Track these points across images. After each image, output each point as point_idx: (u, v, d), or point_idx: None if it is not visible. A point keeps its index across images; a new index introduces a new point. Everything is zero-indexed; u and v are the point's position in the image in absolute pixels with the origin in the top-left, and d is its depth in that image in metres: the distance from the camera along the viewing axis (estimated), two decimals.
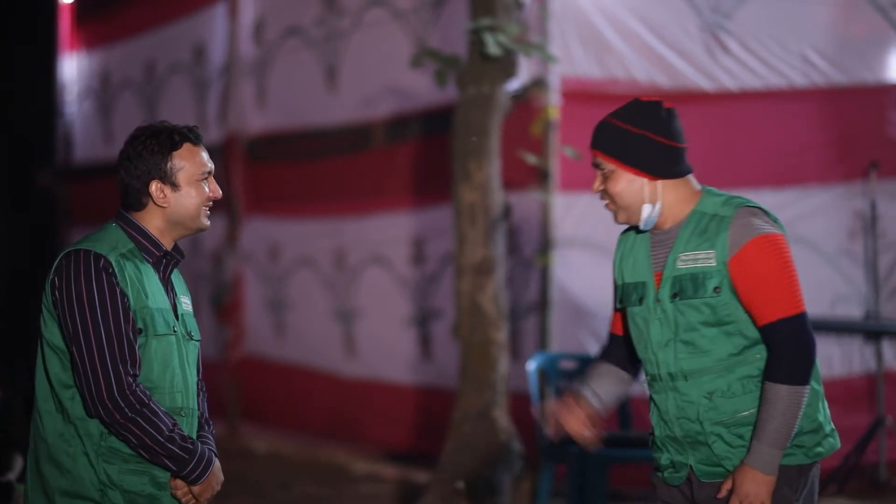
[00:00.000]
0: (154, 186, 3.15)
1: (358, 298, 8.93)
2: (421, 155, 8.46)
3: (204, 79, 10.52)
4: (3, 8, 12.33)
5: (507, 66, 6.53)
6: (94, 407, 3.02)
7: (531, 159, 6.97)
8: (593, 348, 6.90)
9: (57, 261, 3.11)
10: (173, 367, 3.15)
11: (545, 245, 7.17)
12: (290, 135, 9.67)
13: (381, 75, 8.68)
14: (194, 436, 3.19)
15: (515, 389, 6.79)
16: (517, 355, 7.06)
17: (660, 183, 3.21)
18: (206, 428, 3.27)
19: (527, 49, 6.61)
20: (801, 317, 3.12)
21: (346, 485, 7.82)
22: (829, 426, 3.23)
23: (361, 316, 8.93)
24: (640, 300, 3.26)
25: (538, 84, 7.12)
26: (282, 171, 9.74)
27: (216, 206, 3.30)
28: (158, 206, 3.17)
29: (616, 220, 3.29)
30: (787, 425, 3.08)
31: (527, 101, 7.11)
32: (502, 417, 6.48)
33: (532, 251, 7.26)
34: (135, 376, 3.04)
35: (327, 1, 9.21)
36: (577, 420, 3.32)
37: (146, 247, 3.16)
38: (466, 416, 6.46)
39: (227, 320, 9.80)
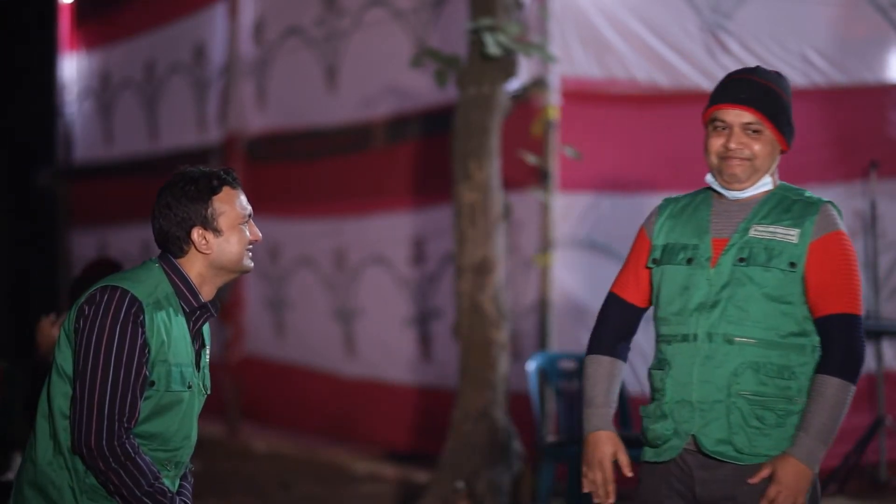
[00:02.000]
0: (196, 233, 3.11)
1: (358, 298, 8.92)
2: (421, 155, 8.45)
3: (204, 79, 10.52)
4: (4, 8, 12.33)
5: (507, 66, 6.53)
6: (79, 447, 2.99)
7: (531, 159, 6.97)
8: None
9: (91, 289, 3.05)
10: (178, 420, 3.12)
11: (545, 245, 7.16)
12: (290, 135, 9.67)
13: (381, 75, 8.68)
14: (175, 488, 3.15)
15: (515, 389, 6.79)
16: (517, 355, 7.05)
17: (779, 156, 3.26)
18: (188, 478, 3.24)
19: (527, 49, 6.61)
20: (859, 318, 3.13)
21: (346, 485, 7.82)
22: None
23: (361, 316, 8.93)
24: (689, 260, 3.21)
25: (538, 84, 7.11)
26: (282, 171, 9.74)
27: None
28: (201, 252, 3.12)
29: (727, 181, 3.24)
30: (833, 420, 3.05)
31: (527, 101, 7.11)
32: (502, 417, 6.48)
33: (532, 251, 7.26)
34: (128, 429, 3.00)
35: (327, 1, 9.21)
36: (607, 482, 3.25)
37: (185, 295, 3.12)
38: (466, 416, 6.46)
39: (227, 320, 9.80)
